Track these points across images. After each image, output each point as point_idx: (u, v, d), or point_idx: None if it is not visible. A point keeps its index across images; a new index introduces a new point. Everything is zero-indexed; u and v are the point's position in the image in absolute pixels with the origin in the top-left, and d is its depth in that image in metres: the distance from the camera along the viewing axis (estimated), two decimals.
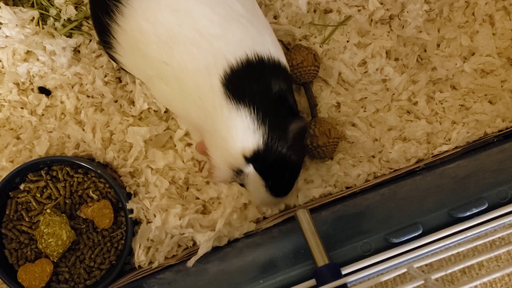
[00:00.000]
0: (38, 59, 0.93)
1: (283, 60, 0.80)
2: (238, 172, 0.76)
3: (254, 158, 0.74)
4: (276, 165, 0.76)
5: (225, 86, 0.73)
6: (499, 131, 0.91)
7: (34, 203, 0.87)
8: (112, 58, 0.87)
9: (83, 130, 0.91)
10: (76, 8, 0.95)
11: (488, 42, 0.95)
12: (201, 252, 0.83)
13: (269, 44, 0.78)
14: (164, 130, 0.92)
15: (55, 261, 0.85)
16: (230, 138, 0.74)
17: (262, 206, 0.87)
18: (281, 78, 0.77)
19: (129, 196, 0.89)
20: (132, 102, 0.93)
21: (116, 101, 0.94)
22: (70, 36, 0.95)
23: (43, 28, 0.95)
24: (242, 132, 0.74)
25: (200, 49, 0.74)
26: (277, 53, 0.79)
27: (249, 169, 0.75)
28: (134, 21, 0.77)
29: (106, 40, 0.83)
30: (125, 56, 0.83)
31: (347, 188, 0.90)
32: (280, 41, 0.93)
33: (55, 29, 0.95)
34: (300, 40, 0.95)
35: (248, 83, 0.74)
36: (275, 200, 0.81)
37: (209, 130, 0.76)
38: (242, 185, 0.79)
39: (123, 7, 0.77)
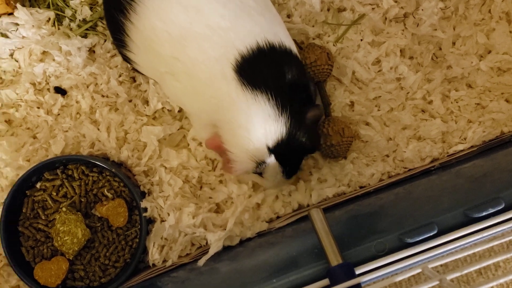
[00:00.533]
0: (54, 59, 0.95)
1: (294, 49, 0.80)
2: (261, 164, 0.76)
3: (277, 148, 0.75)
4: (296, 153, 0.78)
5: (238, 74, 0.73)
6: None
7: (50, 202, 0.88)
8: (125, 57, 0.88)
9: (98, 129, 0.92)
10: (91, 8, 0.96)
11: (504, 39, 0.93)
12: (211, 251, 0.83)
13: (281, 33, 0.79)
14: (178, 129, 0.93)
15: (71, 258, 0.86)
16: (252, 127, 0.73)
17: (273, 188, 0.88)
18: (293, 65, 0.77)
19: (143, 195, 0.89)
20: (146, 102, 0.94)
21: (130, 101, 0.95)
22: (85, 36, 0.96)
23: (59, 29, 0.96)
24: (264, 121, 0.73)
25: (211, 43, 0.74)
26: (288, 42, 0.79)
27: (271, 159, 0.76)
28: (147, 19, 0.78)
29: (119, 38, 0.84)
30: (138, 54, 0.83)
31: (361, 187, 0.90)
32: (294, 40, 0.93)
33: (71, 29, 0.96)
34: (313, 39, 0.95)
35: (261, 69, 0.74)
36: (286, 181, 0.83)
37: (227, 121, 0.75)
38: (258, 173, 0.80)
39: (137, 5, 0.78)
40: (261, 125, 0.73)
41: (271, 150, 0.75)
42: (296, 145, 0.76)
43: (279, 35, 0.78)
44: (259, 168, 0.77)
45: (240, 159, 0.76)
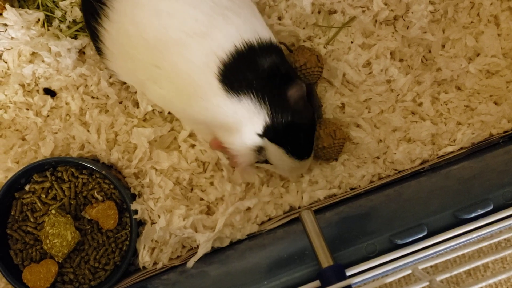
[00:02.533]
0: (43, 61, 0.94)
1: (272, 38, 0.81)
2: (259, 150, 0.79)
3: (266, 132, 0.77)
4: (287, 131, 0.78)
5: (223, 83, 0.74)
6: (505, 132, 0.91)
7: (39, 204, 0.87)
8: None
9: (88, 131, 0.91)
10: (81, 9, 0.95)
11: (493, 42, 0.94)
12: (200, 252, 0.83)
13: (257, 27, 0.80)
14: (169, 131, 0.92)
15: (60, 261, 0.85)
16: (240, 125, 0.77)
17: (292, 174, 0.88)
18: (273, 53, 0.79)
19: (133, 197, 0.89)
20: (137, 103, 0.93)
21: (120, 102, 0.94)
22: (75, 37, 0.96)
23: (48, 30, 0.95)
24: (249, 117, 0.76)
25: (190, 50, 0.74)
26: (266, 33, 0.80)
27: (266, 142, 0.78)
28: (120, 24, 0.76)
29: (97, 46, 0.82)
30: (115, 61, 0.82)
31: (351, 189, 0.90)
32: (283, 43, 0.93)
33: (60, 30, 0.96)
34: (304, 41, 0.95)
35: (243, 72, 0.75)
36: (301, 164, 0.83)
37: (219, 126, 0.78)
38: (266, 161, 0.82)
39: (108, 10, 0.76)
40: (247, 120, 0.76)
41: (261, 135, 0.78)
42: (283, 124, 0.78)
43: (257, 29, 0.79)
44: (262, 155, 0.80)
45: (241, 153, 0.79)
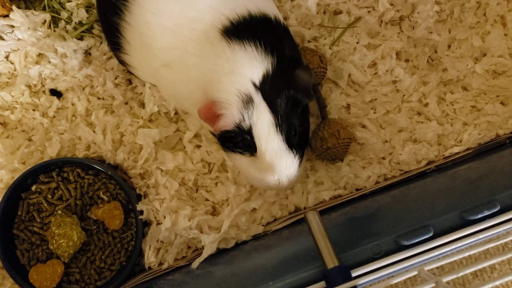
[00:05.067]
0: (49, 62, 0.94)
1: (280, 17, 0.84)
2: (246, 104, 0.73)
3: (263, 84, 0.73)
4: (284, 97, 0.74)
5: (225, 34, 0.76)
6: (511, 132, 0.90)
7: (45, 204, 0.87)
8: (121, 61, 0.88)
9: (94, 132, 0.92)
10: (87, 11, 0.96)
11: (500, 42, 0.94)
12: (205, 253, 0.83)
13: (268, 4, 0.83)
14: (174, 132, 0.93)
15: (66, 262, 0.86)
16: (236, 67, 0.74)
17: (275, 163, 0.76)
18: (282, 31, 0.81)
19: (139, 197, 0.89)
20: (142, 104, 0.94)
21: (126, 103, 0.94)
22: (81, 38, 0.96)
23: (54, 31, 0.96)
24: (249, 60, 0.74)
25: (201, 22, 0.77)
26: (279, 14, 0.83)
27: (258, 98, 0.73)
28: (141, 15, 0.80)
29: (115, 41, 0.84)
30: (134, 54, 0.84)
31: (357, 190, 0.90)
32: None
33: (67, 32, 0.96)
34: (309, 41, 0.95)
35: (255, 29, 0.77)
36: (288, 155, 0.75)
37: (214, 71, 0.76)
38: (248, 133, 0.74)
39: (130, 4, 0.80)
40: (245, 63, 0.74)
41: (256, 86, 0.74)
42: (282, 86, 0.74)
43: (270, 11, 0.81)
44: (248, 111, 0.73)
45: (228, 103, 0.74)
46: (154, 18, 0.79)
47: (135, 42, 0.82)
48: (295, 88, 0.76)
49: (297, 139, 0.77)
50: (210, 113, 0.75)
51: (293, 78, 0.76)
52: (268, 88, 0.74)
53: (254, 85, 0.74)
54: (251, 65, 0.74)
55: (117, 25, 0.82)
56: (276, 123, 0.74)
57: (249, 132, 0.75)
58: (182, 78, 0.81)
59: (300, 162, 0.78)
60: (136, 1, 0.80)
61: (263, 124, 0.74)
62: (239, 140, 0.76)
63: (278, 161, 0.76)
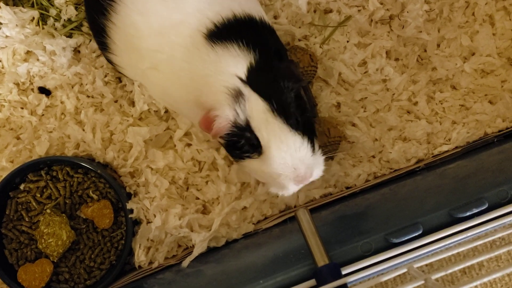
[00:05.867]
0: (38, 59, 0.93)
1: (265, 17, 0.84)
2: (236, 98, 0.73)
3: (248, 76, 0.74)
4: (273, 83, 0.74)
5: (208, 37, 0.77)
6: (499, 131, 0.91)
7: (34, 203, 0.87)
8: (109, 60, 0.88)
9: (83, 130, 0.91)
10: (76, 8, 0.95)
11: (488, 42, 0.95)
12: (196, 252, 0.83)
13: (257, 7, 0.83)
14: (164, 130, 0.92)
15: (55, 261, 0.85)
16: (220, 67, 0.75)
17: (282, 146, 0.73)
18: (265, 28, 0.82)
19: (129, 196, 0.89)
20: (132, 102, 0.93)
21: (116, 101, 0.94)
22: (70, 36, 0.95)
23: (43, 28, 0.95)
24: (232, 58, 0.75)
25: (186, 25, 0.78)
26: (264, 14, 0.84)
27: (247, 90, 0.73)
28: (127, 16, 0.79)
29: (102, 41, 0.83)
30: (120, 55, 0.83)
31: (347, 188, 0.90)
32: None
33: (55, 29, 0.95)
34: (300, 40, 0.95)
35: (236, 30, 0.78)
36: (294, 136, 0.72)
37: (201, 75, 0.77)
38: (246, 127, 0.73)
39: (116, 5, 0.80)
40: (229, 62, 0.75)
41: (243, 80, 0.74)
42: (268, 74, 0.75)
43: (252, 8, 0.82)
44: (240, 104, 0.72)
45: (218, 103, 0.74)
46: (140, 18, 0.79)
47: (121, 43, 0.82)
48: (282, 76, 0.75)
49: (302, 127, 0.74)
50: (210, 121, 0.75)
51: (278, 68, 0.77)
52: (255, 78, 0.74)
53: (240, 79, 0.74)
54: (235, 62, 0.75)
55: (103, 25, 0.82)
56: (271, 108, 0.72)
57: (248, 128, 0.73)
58: (171, 82, 0.81)
59: (313, 147, 0.75)
60: (123, 2, 0.79)
61: (258, 112, 0.72)
62: (243, 143, 0.74)
63: (285, 143, 0.72)
